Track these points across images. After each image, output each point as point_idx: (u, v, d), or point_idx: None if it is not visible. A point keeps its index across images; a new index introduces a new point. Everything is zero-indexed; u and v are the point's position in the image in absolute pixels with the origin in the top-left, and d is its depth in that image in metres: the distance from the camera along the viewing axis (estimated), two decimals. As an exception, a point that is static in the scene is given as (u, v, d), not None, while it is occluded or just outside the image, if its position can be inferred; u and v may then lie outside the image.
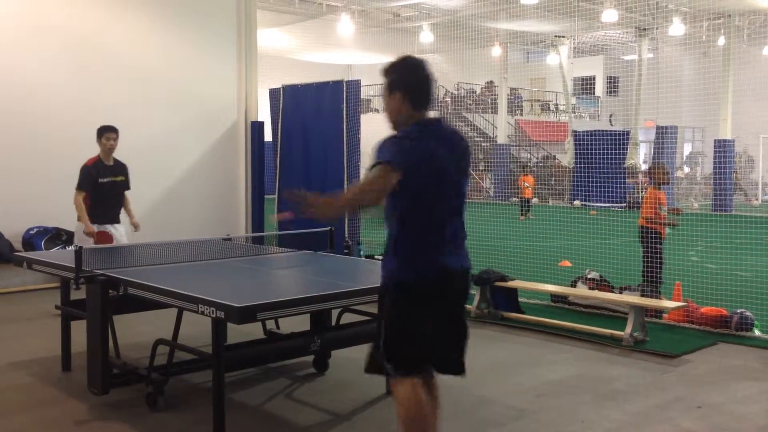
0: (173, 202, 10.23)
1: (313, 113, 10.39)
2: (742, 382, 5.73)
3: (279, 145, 10.80)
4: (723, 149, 22.20)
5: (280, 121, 10.80)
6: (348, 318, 5.50)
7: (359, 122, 10.06)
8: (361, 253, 9.47)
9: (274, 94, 11.01)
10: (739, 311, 7.16)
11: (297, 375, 5.72)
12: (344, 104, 9.98)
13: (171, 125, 10.27)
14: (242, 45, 10.81)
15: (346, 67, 29.41)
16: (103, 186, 7.54)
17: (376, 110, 31.23)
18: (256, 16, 11.09)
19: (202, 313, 4.02)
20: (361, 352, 5.78)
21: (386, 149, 3.24)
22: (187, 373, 5.37)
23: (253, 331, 5.57)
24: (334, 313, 5.60)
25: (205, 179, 10.53)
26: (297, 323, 5.32)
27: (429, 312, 3.34)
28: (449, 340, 3.46)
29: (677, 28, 22.14)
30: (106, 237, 7.48)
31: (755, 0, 19.72)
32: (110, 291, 4.85)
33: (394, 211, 3.33)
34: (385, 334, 3.36)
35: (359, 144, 10.03)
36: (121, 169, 7.72)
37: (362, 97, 15.02)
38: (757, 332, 6.98)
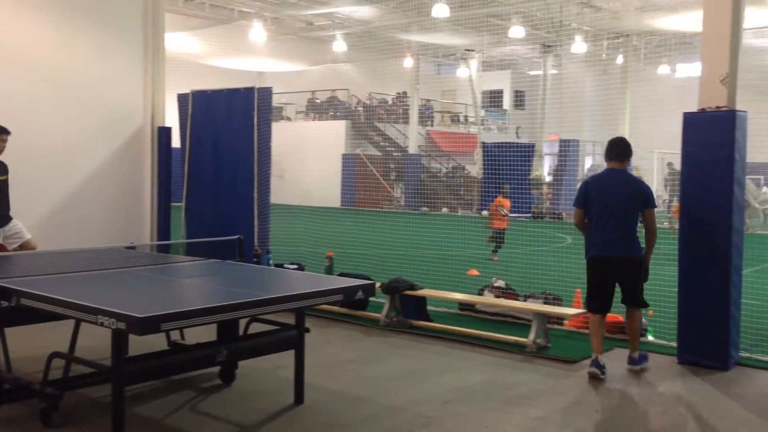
0: (73, 209, 9.80)
1: (223, 120, 10.21)
2: (637, 385, 6.00)
3: (187, 152, 10.56)
4: (621, 163, 23.21)
5: (188, 127, 10.56)
6: (256, 327, 5.43)
7: (270, 130, 9.95)
8: (270, 262, 9.37)
9: (182, 99, 10.76)
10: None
11: (202, 387, 5.60)
12: (255, 112, 9.86)
13: (72, 128, 9.85)
14: (149, 48, 10.51)
15: (258, 74, 29.11)
16: None
17: (288, 118, 31.03)
18: (164, 18, 10.79)
19: (102, 324, 3.87)
20: (269, 362, 5.73)
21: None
22: (85, 387, 5.16)
23: (157, 342, 5.42)
24: (242, 322, 5.51)
25: (107, 185, 10.15)
26: (203, 334, 5.21)
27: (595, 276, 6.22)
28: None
29: (579, 46, 23.11)
30: (2, 249, 7.21)
31: (651, 21, 20.80)
32: (1, 302, 4.61)
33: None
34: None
35: (270, 152, 9.93)
36: (4, 168, 7.47)
37: (274, 104, 14.88)
38: (650, 338, 7.32)
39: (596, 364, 6.04)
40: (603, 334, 6.28)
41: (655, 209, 6.10)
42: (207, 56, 24.31)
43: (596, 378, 5.98)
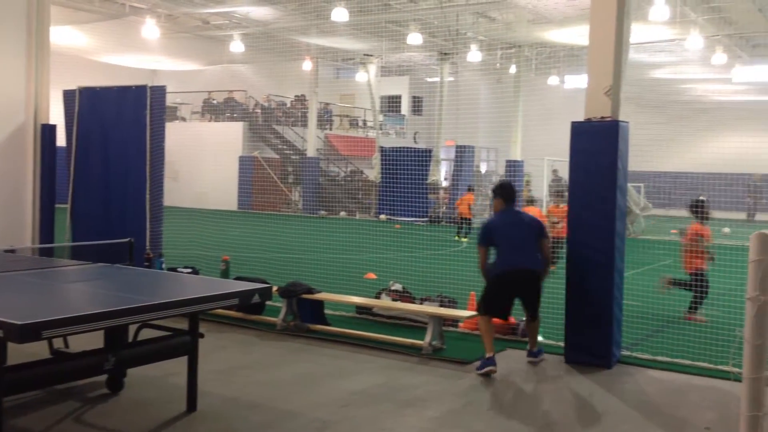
0: (-54, 210, 9.18)
1: (113, 119, 9.81)
2: (526, 384, 6.22)
3: (74, 151, 10.08)
4: (513, 169, 24.09)
5: (75, 125, 10.08)
6: (148, 334, 5.24)
7: (164, 130, 9.64)
8: (163, 266, 9.08)
9: (69, 96, 10.26)
10: (524, 319, 7.71)
11: (88, 396, 5.35)
12: (148, 111, 9.54)
13: (-55, 124, 9.23)
14: (33, 41, 9.97)
15: (151, 72, 28.18)
16: None
17: (183, 119, 30.22)
18: (49, 11, 10.28)
19: (-24, 332, 3.63)
20: (160, 370, 5.54)
21: (479, 234, 6.91)
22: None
23: (38, 350, 5.13)
24: (132, 329, 5.31)
25: (-15, 185, 9.56)
26: (90, 341, 4.97)
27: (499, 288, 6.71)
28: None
29: (475, 55, 23.69)
30: None
31: (542, 33, 21.60)
32: None
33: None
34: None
35: (163, 153, 9.62)
36: None
37: (168, 104, 14.44)
38: (540, 338, 7.55)
39: (492, 361, 6.41)
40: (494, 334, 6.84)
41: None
42: (96, 52, 23.29)
43: (493, 372, 6.38)
